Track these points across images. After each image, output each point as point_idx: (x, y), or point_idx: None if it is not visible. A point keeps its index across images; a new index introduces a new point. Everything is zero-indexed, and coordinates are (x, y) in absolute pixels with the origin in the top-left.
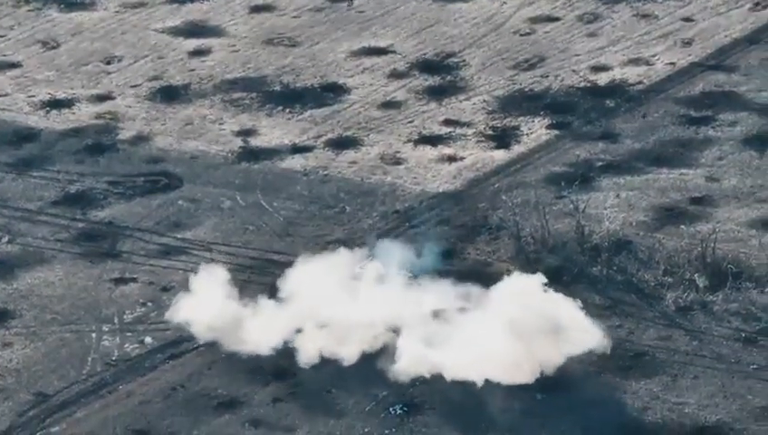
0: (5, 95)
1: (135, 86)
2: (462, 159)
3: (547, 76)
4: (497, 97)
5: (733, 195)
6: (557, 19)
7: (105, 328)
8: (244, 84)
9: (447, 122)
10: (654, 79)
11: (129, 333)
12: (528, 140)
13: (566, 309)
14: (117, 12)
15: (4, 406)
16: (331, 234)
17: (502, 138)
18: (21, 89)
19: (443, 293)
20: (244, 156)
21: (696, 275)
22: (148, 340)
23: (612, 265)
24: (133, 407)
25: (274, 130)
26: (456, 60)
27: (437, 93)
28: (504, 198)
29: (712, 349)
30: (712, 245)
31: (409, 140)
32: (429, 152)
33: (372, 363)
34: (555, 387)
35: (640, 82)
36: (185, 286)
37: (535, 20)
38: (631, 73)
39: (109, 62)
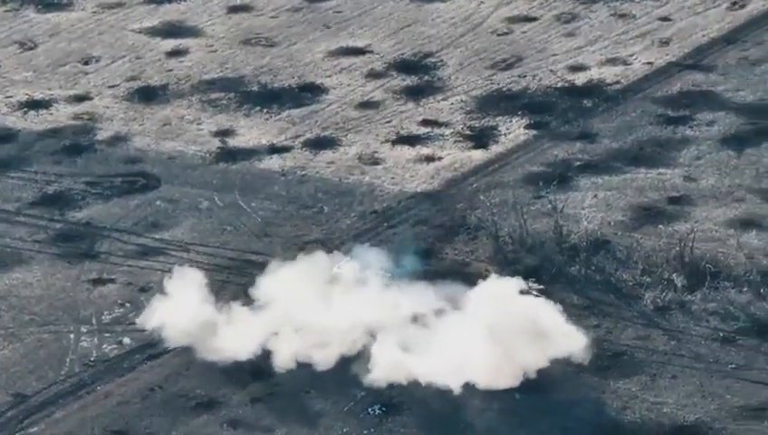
0: None
1: (113, 86)
2: (440, 159)
3: (525, 76)
4: (475, 97)
5: (711, 194)
6: (534, 19)
7: (83, 329)
8: (221, 85)
9: (425, 122)
10: (631, 78)
11: (107, 334)
12: (506, 140)
13: (547, 313)
14: (94, 12)
15: None
16: (309, 234)
17: (480, 138)
18: None
19: (421, 295)
20: (222, 156)
21: (674, 275)
22: (126, 340)
23: (590, 264)
24: (111, 407)
25: (252, 131)
26: (433, 60)
27: (415, 93)
28: (482, 197)
29: (690, 348)
30: (690, 244)
31: (387, 141)
32: (407, 152)
33: (350, 364)
34: (534, 387)
35: (618, 82)
36: (161, 289)
37: (513, 20)
38: (609, 73)
39: (86, 63)
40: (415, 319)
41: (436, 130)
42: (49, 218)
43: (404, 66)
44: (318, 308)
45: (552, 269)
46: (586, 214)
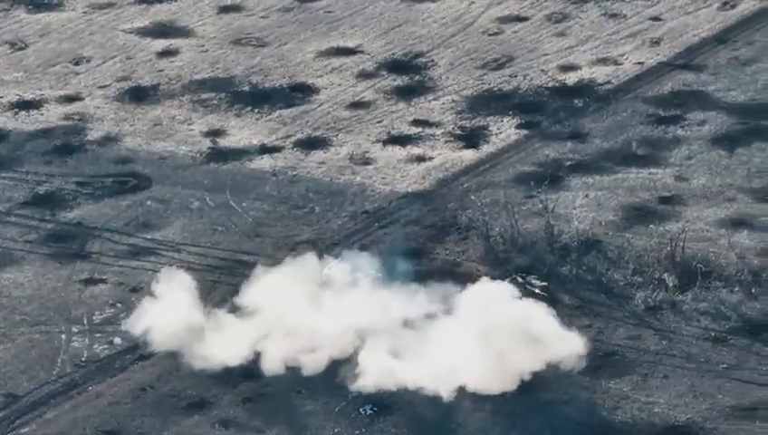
0: None
1: (103, 87)
2: (431, 159)
3: (516, 76)
4: (466, 97)
5: (702, 194)
6: (525, 19)
7: (75, 329)
8: (212, 85)
9: (416, 122)
10: (622, 78)
11: (98, 334)
12: (497, 140)
13: (540, 317)
14: (85, 12)
15: None
16: (300, 234)
17: (470, 138)
18: None
19: (411, 298)
20: (213, 156)
21: (665, 275)
22: (117, 341)
23: (582, 264)
24: (103, 408)
25: (243, 131)
26: (424, 60)
27: (406, 93)
28: (473, 197)
29: (681, 348)
30: (681, 244)
31: (378, 141)
32: (398, 152)
33: (340, 367)
34: (525, 387)
35: (609, 82)
36: (150, 291)
37: (504, 20)
38: (600, 73)
39: (77, 63)
40: (405, 323)
41: (427, 130)
42: (40, 219)
43: (395, 66)
44: (307, 312)
45: (544, 269)
46: (577, 214)
